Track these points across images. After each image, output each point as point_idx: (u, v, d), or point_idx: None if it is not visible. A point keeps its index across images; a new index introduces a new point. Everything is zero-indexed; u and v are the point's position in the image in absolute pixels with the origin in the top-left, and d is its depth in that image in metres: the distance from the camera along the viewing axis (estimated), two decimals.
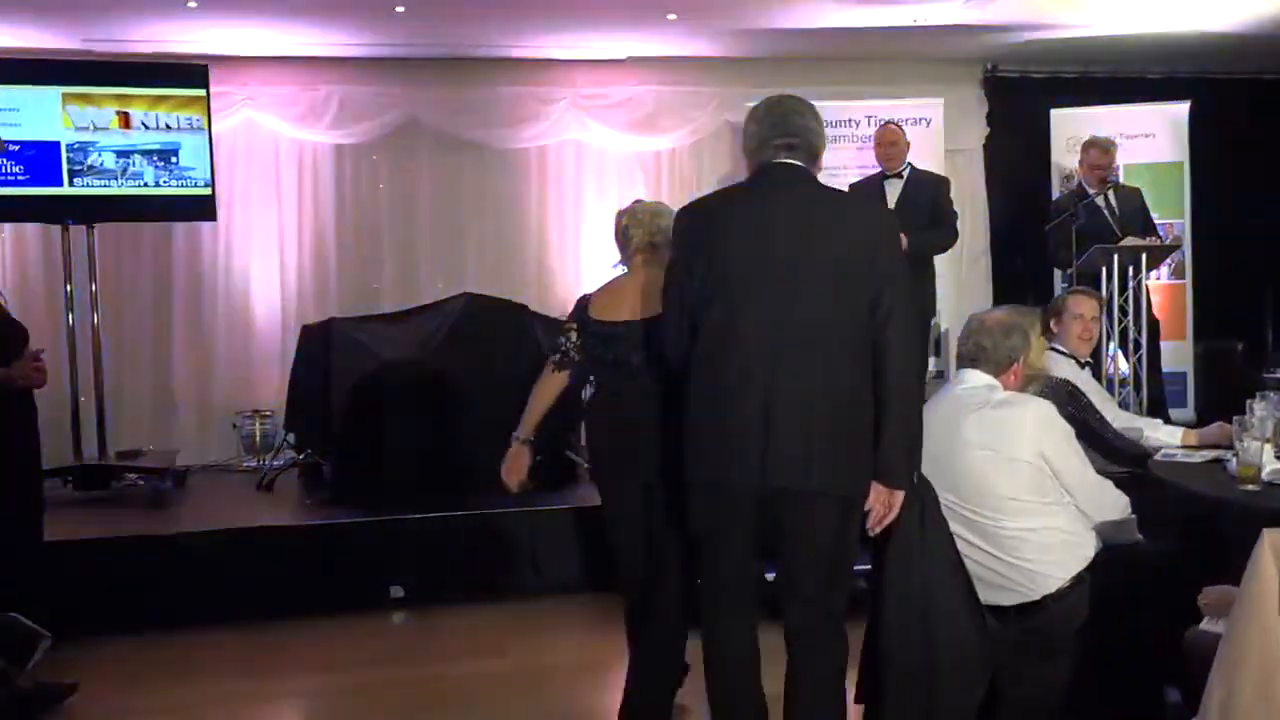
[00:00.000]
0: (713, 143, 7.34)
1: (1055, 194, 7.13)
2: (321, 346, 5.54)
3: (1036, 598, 2.80)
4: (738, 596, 2.60)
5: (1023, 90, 7.69)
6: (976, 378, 2.98)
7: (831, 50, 7.23)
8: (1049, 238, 5.99)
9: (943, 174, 6.17)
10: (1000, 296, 7.66)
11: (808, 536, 2.47)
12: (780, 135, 2.52)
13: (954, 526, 2.84)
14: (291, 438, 5.85)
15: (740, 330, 2.45)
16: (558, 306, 7.05)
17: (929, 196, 5.82)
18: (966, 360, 3.02)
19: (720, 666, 2.63)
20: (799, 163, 2.53)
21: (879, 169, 5.97)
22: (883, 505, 2.48)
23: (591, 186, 7.25)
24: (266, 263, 6.88)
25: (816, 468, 2.40)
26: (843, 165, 6.73)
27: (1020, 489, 2.81)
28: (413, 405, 5.17)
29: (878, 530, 2.51)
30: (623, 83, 7.25)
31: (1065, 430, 2.88)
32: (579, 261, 7.21)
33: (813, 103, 2.61)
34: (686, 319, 2.57)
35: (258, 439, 6.33)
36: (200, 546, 4.66)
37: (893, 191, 5.87)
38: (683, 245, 2.61)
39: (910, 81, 7.28)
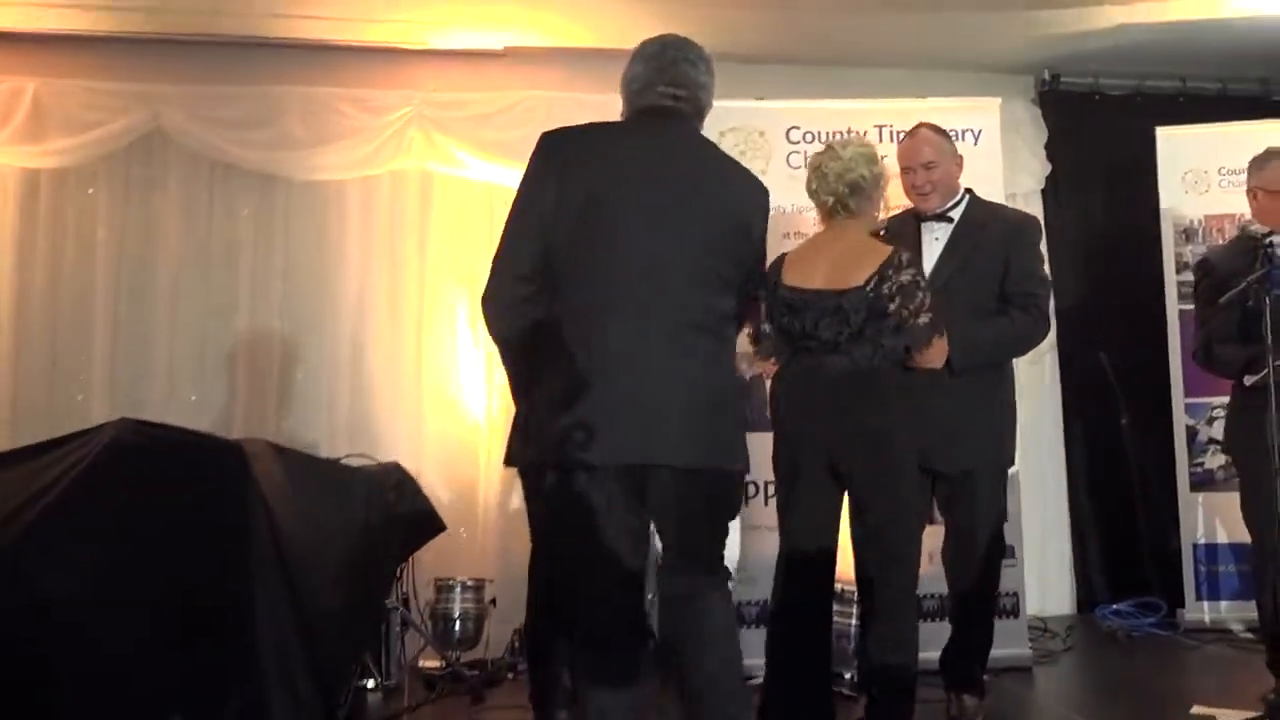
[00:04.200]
0: None
1: (1168, 255, 4.59)
2: None
3: None
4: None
5: (1101, 109, 5.21)
6: None
7: (813, 50, 4.80)
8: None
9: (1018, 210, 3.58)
10: (1075, 415, 5.06)
11: (685, 512, 2.22)
12: (666, 83, 2.32)
13: None
14: None
15: (608, 284, 2.17)
16: (374, 437, 4.39)
17: (999, 253, 3.21)
18: None
19: None
20: (687, 111, 2.34)
21: (908, 209, 3.39)
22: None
23: (445, 240, 4.65)
24: None
25: (689, 441, 2.17)
26: None
27: None
28: None
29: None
30: (499, 85, 4.73)
31: None
32: (420, 361, 4.55)
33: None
34: (537, 250, 2.21)
35: None
36: None
37: (934, 243, 3.26)
38: (550, 170, 2.23)
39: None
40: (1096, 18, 4.66)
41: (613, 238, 2.18)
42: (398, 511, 3.57)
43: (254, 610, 2.87)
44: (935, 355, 2.84)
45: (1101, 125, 5.16)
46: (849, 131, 4.17)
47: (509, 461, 2.28)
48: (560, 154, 2.24)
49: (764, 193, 2.40)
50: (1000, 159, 4.12)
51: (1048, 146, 5.17)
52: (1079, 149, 5.16)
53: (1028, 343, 3.23)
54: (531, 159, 2.26)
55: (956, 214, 3.28)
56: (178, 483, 2.84)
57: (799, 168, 4.09)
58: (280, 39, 4.46)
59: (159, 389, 4.32)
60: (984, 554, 3.23)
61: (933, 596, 3.61)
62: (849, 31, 4.65)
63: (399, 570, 3.81)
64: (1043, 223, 5.06)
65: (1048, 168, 5.15)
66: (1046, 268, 3.38)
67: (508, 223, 2.26)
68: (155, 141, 4.43)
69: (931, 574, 3.39)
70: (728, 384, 2.29)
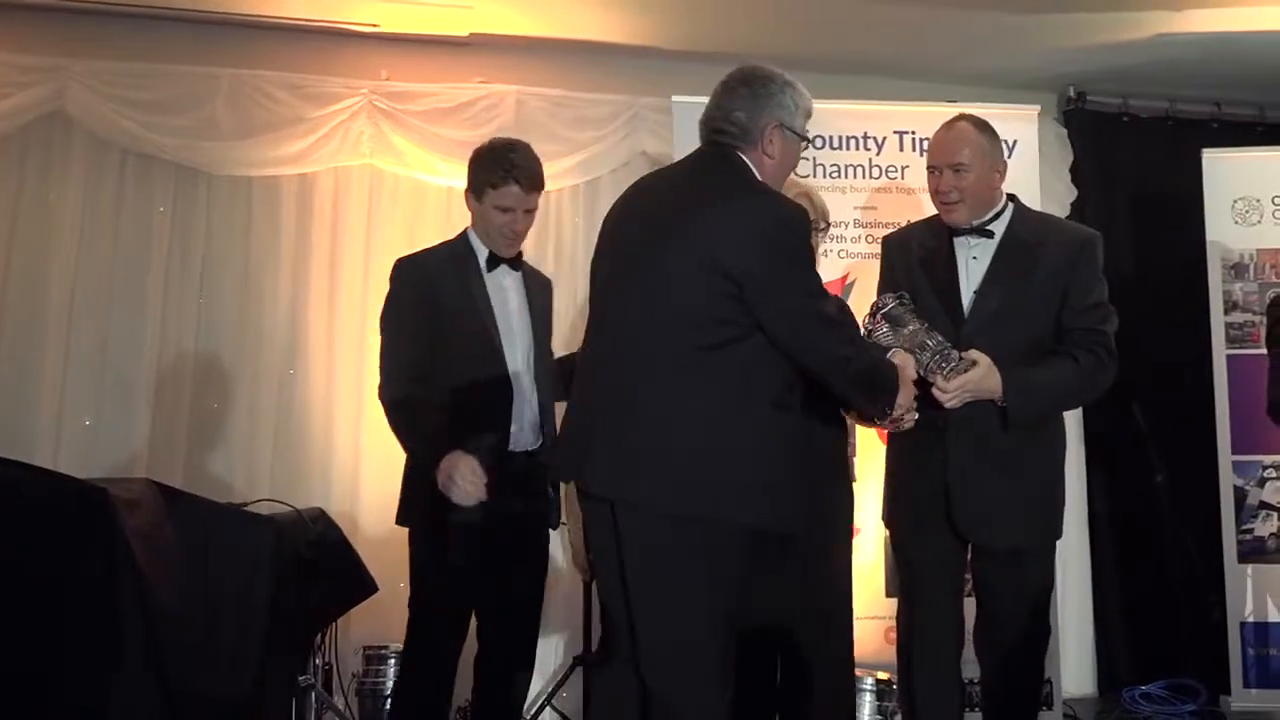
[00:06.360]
0: (619, 186, 3.98)
1: (1215, 293, 4.07)
2: None
3: None
4: None
5: (1132, 131, 4.73)
6: None
7: (806, 52, 4.21)
8: None
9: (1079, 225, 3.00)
10: (1100, 470, 4.52)
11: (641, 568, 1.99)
12: (705, 120, 2.24)
13: None
14: None
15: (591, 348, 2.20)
16: (304, 475, 3.78)
17: (1059, 277, 2.62)
18: None
19: None
20: (724, 142, 2.19)
21: (937, 216, 2.81)
22: None
23: (393, 250, 3.93)
24: None
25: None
26: (848, 220, 3.60)
27: None
28: None
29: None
30: (461, 76, 4.16)
31: None
32: (361, 390, 3.91)
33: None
34: None
35: None
36: None
37: (972, 262, 2.66)
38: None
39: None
40: (1132, 25, 4.17)
41: (602, 294, 2.22)
42: (317, 569, 2.95)
43: (107, 697, 2.25)
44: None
45: (1133, 148, 4.67)
46: (864, 137, 3.65)
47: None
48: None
49: (749, 220, 2.08)
50: (1038, 175, 3.58)
51: (1072, 170, 4.66)
52: (1108, 174, 4.66)
53: (1094, 391, 2.61)
54: None
55: (999, 227, 2.68)
56: (18, 536, 2.21)
57: (806, 176, 3.53)
58: (208, 12, 3.88)
59: (47, 411, 3.67)
60: (1028, 642, 2.64)
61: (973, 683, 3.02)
62: (846, 30, 4.11)
63: (319, 638, 3.17)
64: None
65: (1073, 193, 4.63)
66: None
67: None
68: (56, 124, 3.81)
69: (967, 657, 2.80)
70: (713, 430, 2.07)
